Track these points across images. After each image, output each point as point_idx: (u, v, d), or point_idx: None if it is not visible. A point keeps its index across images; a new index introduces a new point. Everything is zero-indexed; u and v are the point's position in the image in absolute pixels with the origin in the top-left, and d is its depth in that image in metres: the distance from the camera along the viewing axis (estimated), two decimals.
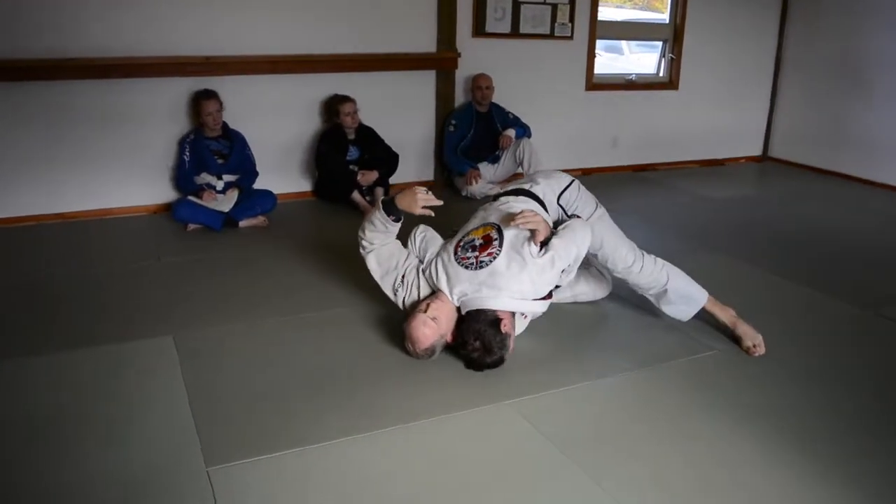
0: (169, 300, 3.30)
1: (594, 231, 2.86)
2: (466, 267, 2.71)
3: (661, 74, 6.52)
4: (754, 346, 2.85)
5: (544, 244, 2.70)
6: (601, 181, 5.99)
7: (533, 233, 2.66)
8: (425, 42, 5.32)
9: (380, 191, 4.92)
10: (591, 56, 5.98)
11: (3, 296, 3.32)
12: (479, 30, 5.47)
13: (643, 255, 2.97)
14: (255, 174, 4.76)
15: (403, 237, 2.97)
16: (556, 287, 2.94)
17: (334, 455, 2.14)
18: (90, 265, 3.77)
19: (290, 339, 2.92)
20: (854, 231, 4.74)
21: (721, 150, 6.92)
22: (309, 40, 4.95)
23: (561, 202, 3.00)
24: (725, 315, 2.98)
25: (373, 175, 4.89)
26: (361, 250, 2.93)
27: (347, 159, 4.92)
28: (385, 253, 2.91)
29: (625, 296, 3.31)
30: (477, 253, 2.73)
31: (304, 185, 5.24)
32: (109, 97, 4.52)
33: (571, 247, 2.72)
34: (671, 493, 2.00)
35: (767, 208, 5.32)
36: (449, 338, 2.71)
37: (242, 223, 4.47)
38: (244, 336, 2.93)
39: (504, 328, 2.61)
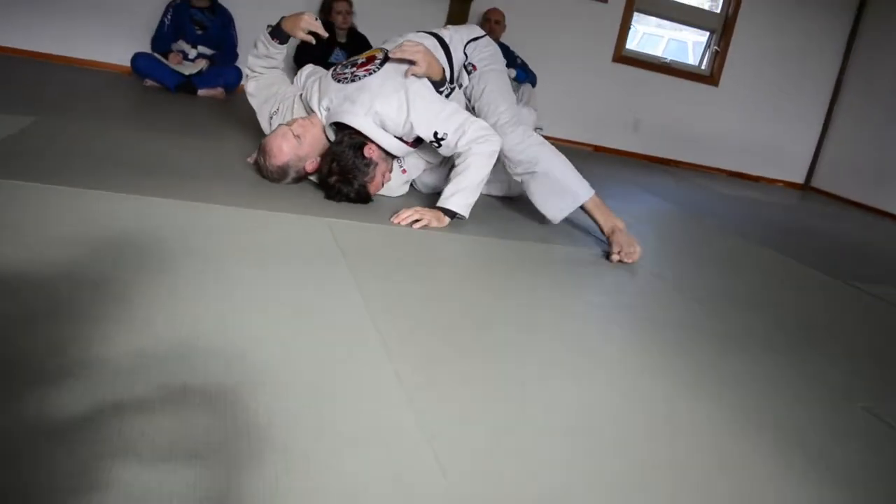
0: (63, 105, 3.10)
1: (483, 80, 2.57)
2: (339, 81, 2.42)
3: (702, 67, 6.07)
4: (620, 252, 2.31)
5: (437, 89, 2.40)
6: (613, 161, 5.55)
7: (411, 64, 2.35)
8: None
9: None
10: (624, 26, 5.60)
11: None
12: None
13: (524, 125, 2.54)
14: (235, 56, 4.58)
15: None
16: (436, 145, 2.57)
17: (92, 202, 1.84)
18: (25, 92, 3.62)
19: (156, 147, 2.64)
20: (857, 244, 4.16)
21: (756, 165, 6.37)
22: None
23: (467, 50, 2.64)
24: (608, 220, 2.42)
25: None
26: (244, 81, 2.75)
27: (331, 62, 4.68)
28: (266, 80, 2.72)
29: None
30: (354, 69, 2.44)
31: None
32: None
33: (433, 121, 2.31)
34: (429, 334, 1.58)
35: (794, 214, 4.74)
36: (309, 166, 2.39)
37: (201, 91, 4.28)
38: (109, 134, 2.68)
39: (368, 153, 2.28)
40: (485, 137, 2.31)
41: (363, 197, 2.34)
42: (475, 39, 2.65)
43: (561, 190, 2.45)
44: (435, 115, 2.31)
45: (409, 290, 1.69)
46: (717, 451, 1.21)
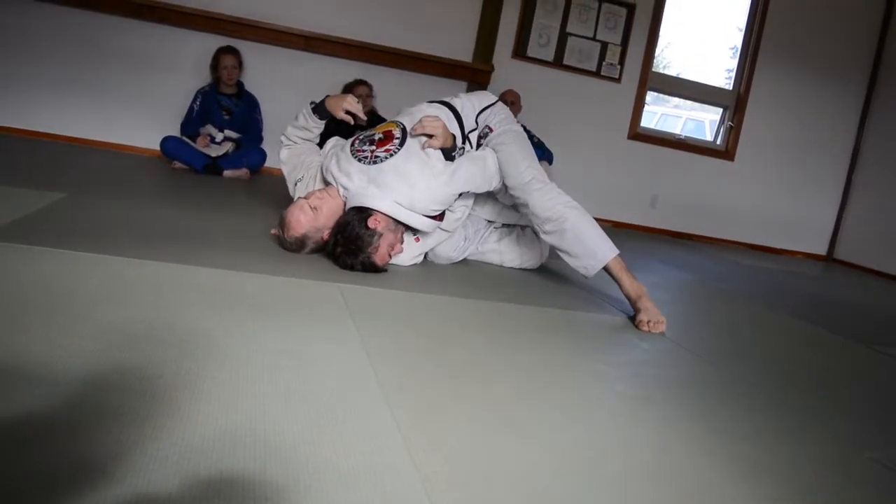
0: (93, 184, 3.24)
1: (501, 140, 2.64)
2: (360, 160, 2.49)
3: (717, 142, 6.15)
4: (649, 322, 2.31)
5: (448, 157, 2.49)
6: (631, 236, 5.58)
7: (429, 138, 2.48)
8: (462, 51, 5.30)
9: None
10: (638, 104, 5.74)
11: None
12: (520, 51, 5.40)
13: (552, 184, 2.60)
14: (260, 139, 4.76)
15: None
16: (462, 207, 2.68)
17: (109, 267, 1.91)
18: (57, 172, 3.80)
19: (180, 221, 2.74)
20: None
21: (776, 238, 6.35)
22: (345, 25, 5.03)
23: (479, 118, 2.74)
24: (633, 285, 2.43)
25: None
26: (280, 147, 2.91)
27: None
28: (298, 150, 2.86)
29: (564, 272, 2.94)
30: (374, 147, 2.52)
31: None
32: (141, 38, 4.72)
33: (476, 173, 2.54)
34: (427, 381, 1.61)
35: (814, 282, 4.71)
36: (326, 236, 2.46)
37: (227, 173, 4.44)
38: (134, 209, 2.79)
39: (373, 224, 2.34)
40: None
41: (370, 268, 2.37)
42: (488, 107, 2.75)
43: (586, 250, 2.47)
44: (453, 189, 2.49)
45: (412, 342, 1.72)
46: (720, 497, 1.19)
